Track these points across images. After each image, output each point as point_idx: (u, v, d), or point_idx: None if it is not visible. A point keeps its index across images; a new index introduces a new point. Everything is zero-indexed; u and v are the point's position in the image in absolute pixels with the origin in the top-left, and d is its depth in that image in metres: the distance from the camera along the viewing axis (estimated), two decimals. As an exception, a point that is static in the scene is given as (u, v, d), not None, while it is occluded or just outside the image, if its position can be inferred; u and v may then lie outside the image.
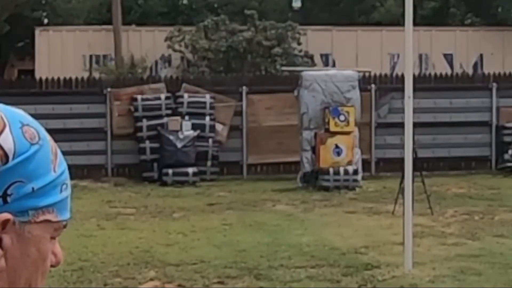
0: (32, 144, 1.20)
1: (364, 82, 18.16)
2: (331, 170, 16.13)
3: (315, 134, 16.52)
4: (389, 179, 16.46)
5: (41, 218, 1.20)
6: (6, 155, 1.16)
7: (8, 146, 1.17)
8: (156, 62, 25.82)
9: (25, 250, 1.19)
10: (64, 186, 1.25)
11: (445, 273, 9.03)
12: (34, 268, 1.21)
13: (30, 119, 1.24)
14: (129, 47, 25.33)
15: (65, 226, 1.26)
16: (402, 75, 13.68)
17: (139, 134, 17.94)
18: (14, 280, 1.18)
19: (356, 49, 26.03)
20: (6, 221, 1.16)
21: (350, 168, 16.25)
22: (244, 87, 18.67)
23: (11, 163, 1.17)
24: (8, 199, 1.16)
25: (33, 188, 1.18)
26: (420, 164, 13.18)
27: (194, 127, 17.72)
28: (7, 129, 1.18)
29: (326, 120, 16.43)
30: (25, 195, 1.18)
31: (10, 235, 1.16)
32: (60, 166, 1.25)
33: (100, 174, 18.08)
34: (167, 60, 25.75)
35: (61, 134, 16.42)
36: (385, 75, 20.19)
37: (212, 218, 12.93)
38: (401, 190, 11.15)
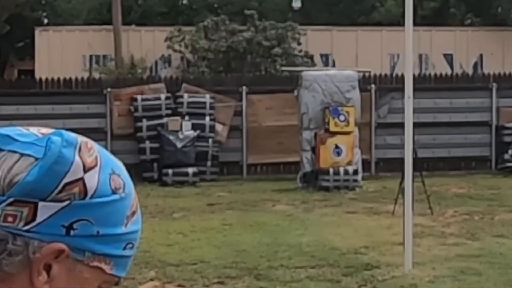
0: (112, 192, 1.21)
1: (364, 82, 18.17)
2: (331, 170, 16.12)
3: (315, 134, 16.52)
4: (389, 179, 16.46)
5: (96, 263, 1.20)
6: (85, 192, 1.17)
7: (91, 185, 1.18)
8: (156, 62, 25.83)
9: (70, 286, 1.19)
10: (130, 245, 1.25)
11: (445, 273, 9.04)
12: None
13: (123, 171, 1.27)
14: (129, 47, 25.34)
15: (117, 284, 1.26)
16: (402, 75, 13.68)
17: (139, 134, 17.94)
18: None
19: (356, 49, 26.04)
20: (61, 251, 1.17)
21: (350, 168, 16.25)
22: (244, 87, 18.67)
23: (87, 200, 1.18)
24: (72, 232, 1.17)
25: (98, 232, 1.19)
26: (420, 164, 13.18)
27: (194, 127, 17.72)
28: (96, 169, 1.20)
29: (326, 120, 16.43)
30: (88, 236, 1.19)
31: (60, 266, 1.17)
32: (134, 224, 1.26)
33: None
34: (167, 60, 25.76)
35: (61, 134, 16.45)
36: (385, 75, 20.19)
37: (212, 218, 12.93)
38: (401, 190, 11.15)
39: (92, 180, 1.18)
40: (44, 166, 1.15)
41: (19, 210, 1.15)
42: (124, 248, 1.24)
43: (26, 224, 1.15)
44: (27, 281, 1.17)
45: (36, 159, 1.16)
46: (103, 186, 1.20)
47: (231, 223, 12.35)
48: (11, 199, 1.14)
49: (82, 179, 1.17)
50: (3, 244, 1.15)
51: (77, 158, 1.17)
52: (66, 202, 1.16)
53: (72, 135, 1.20)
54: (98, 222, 1.19)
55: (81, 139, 1.21)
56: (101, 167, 1.21)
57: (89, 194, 1.18)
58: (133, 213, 1.27)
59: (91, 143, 1.23)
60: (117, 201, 1.22)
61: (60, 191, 1.16)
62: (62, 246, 1.17)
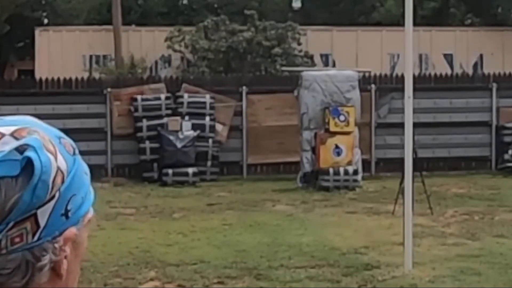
0: (72, 156, 1.26)
1: (364, 82, 18.17)
2: (331, 170, 16.12)
3: (315, 134, 16.52)
4: (389, 179, 16.47)
5: (86, 220, 1.28)
6: (63, 176, 1.22)
7: (63, 166, 1.22)
8: (156, 62, 25.82)
9: (78, 253, 1.27)
10: (90, 184, 1.32)
11: (445, 273, 9.04)
12: (79, 264, 1.29)
13: (58, 130, 1.30)
14: (129, 47, 25.34)
15: None
16: (402, 75, 13.68)
17: (139, 134, 17.94)
18: (67, 282, 1.25)
19: (356, 49, 26.03)
20: (74, 236, 1.23)
21: (350, 168, 16.25)
22: (244, 87, 18.67)
23: (67, 181, 1.22)
24: (69, 214, 1.22)
25: (82, 197, 1.26)
26: (420, 164, 13.18)
27: (194, 127, 17.72)
28: (57, 150, 1.23)
29: (326, 120, 16.43)
30: (79, 206, 1.25)
31: (69, 245, 1.23)
32: (86, 166, 1.32)
33: (100, 174, 18.06)
34: (167, 60, 25.75)
35: (61, 134, 16.45)
36: (385, 75, 20.19)
37: (212, 218, 12.93)
38: (401, 190, 11.14)
39: (61, 162, 1.22)
40: (34, 182, 1.18)
41: (23, 227, 1.18)
42: (91, 191, 1.31)
43: (33, 235, 1.19)
44: (54, 280, 1.22)
45: (13, 177, 1.17)
46: (67, 158, 1.24)
47: (231, 223, 12.35)
48: (11, 224, 1.17)
49: (58, 168, 1.21)
50: (31, 265, 1.18)
51: (49, 156, 1.20)
52: (57, 195, 1.20)
53: (32, 136, 1.21)
54: (78, 190, 1.24)
55: (37, 134, 1.22)
56: (55, 145, 1.24)
57: (66, 174, 1.22)
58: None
59: (39, 130, 1.24)
60: (79, 162, 1.27)
61: (51, 191, 1.19)
62: (72, 232, 1.22)
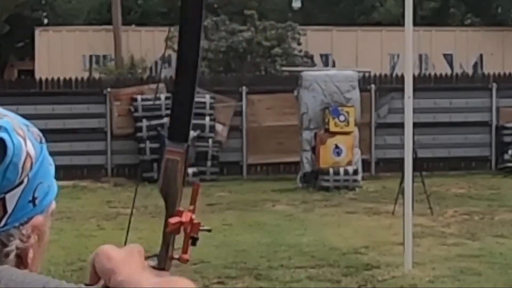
0: (40, 144, 1.25)
1: (364, 82, 18.17)
2: (331, 170, 16.13)
3: (315, 134, 16.52)
4: (389, 179, 16.46)
5: (50, 210, 1.27)
6: (32, 161, 1.21)
7: (32, 152, 1.21)
8: (156, 62, 25.81)
9: (42, 244, 1.26)
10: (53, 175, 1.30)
11: (445, 273, 9.04)
12: (42, 255, 1.28)
13: (24, 119, 1.29)
14: (129, 47, 25.33)
15: None
16: (402, 75, 13.67)
17: (139, 134, 17.94)
18: (32, 269, 1.24)
19: (356, 49, 26.03)
20: (41, 225, 1.23)
21: (350, 168, 16.25)
22: (244, 87, 18.67)
23: (35, 167, 1.21)
24: (36, 201, 1.22)
25: (48, 186, 1.25)
26: (420, 164, 13.17)
27: (194, 127, 17.58)
28: (26, 136, 1.22)
29: (326, 120, 16.43)
30: (45, 194, 1.24)
31: (35, 234, 1.22)
32: (50, 157, 1.30)
33: (100, 174, 18.08)
34: (167, 60, 25.75)
35: (61, 134, 16.46)
36: (385, 75, 20.19)
37: (212, 218, 12.92)
38: (401, 190, 11.14)
39: (30, 147, 1.21)
40: (6, 164, 1.16)
41: None
42: (54, 182, 1.29)
43: (0, 220, 1.17)
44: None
45: None
46: (35, 145, 1.23)
47: (231, 223, 12.36)
48: None
49: (27, 152, 1.20)
50: None
51: (19, 139, 1.19)
52: (25, 181, 1.19)
53: (4, 119, 1.21)
54: (45, 178, 1.24)
55: (7, 118, 1.22)
56: (24, 130, 1.23)
57: (34, 160, 1.21)
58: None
59: (8, 115, 1.24)
60: (45, 150, 1.26)
61: (20, 176, 1.18)
62: (39, 220, 1.22)
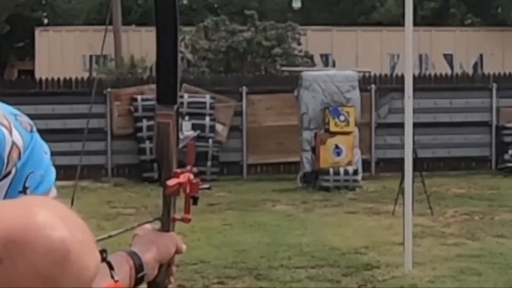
0: (30, 133, 1.22)
1: (364, 82, 18.17)
2: (331, 170, 16.13)
3: (315, 134, 16.52)
4: (389, 179, 16.46)
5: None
6: (20, 151, 1.18)
7: (19, 141, 1.19)
8: (156, 62, 25.80)
9: None
10: (51, 163, 1.28)
11: (445, 273, 9.04)
12: None
13: (13, 108, 1.26)
14: (129, 47, 25.33)
15: None
16: (402, 75, 13.67)
17: (139, 134, 17.94)
18: None
19: (356, 49, 26.04)
20: None
21: (350, 168, 16.26)
22: (244, 87, 18.67)
23: (24, 157, 1.19)
24: (27, 191, 1.19)
25: (41, 175, 1.22)
26: (420, 164, 13.17)
27: (194, 127, 17.72)
28: (12, 125, 1.19)
29: (326, 120, 16.43)
30: (38, 184, 1.21)
31: None
32: (46, 146, 1.28)
33: (100, 174, 18.07)
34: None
35: (61, 134, 16.46)
36: (385, 75, 20.19)
37: (212, 218, 12.92)
38: (401, 190, 11.14)
39: (17, 137, 1.19)
40: None
41: None
42: (51, 171, 1.27)
43: None
44: None
45: None
46: (24, 135, 1.20)
47: (231, 223, 12.35)
48: None
49: (13, 142, 1.17)
50: None
51: (2, 129, 1.17)
52: (13, 171, 1.17)
53: None
54: (37, 167, 1.21)
55: None
56: (10, 120, 1.20)
57: (22, 150, 1.19)
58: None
59: None
60: (36, 139, 1.24)
61: (6, 166, 1.16)
62: None
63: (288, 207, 14.17)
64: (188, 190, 1.65)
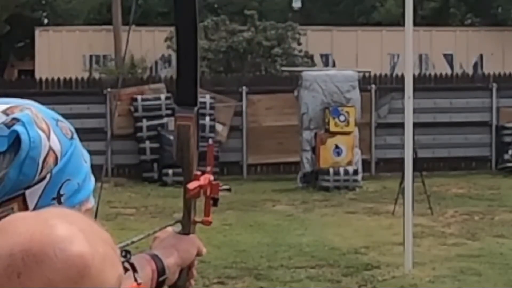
0: (70, 140, 1.21)
1: (364, 82, 18.17)
2: (331, 170, 16.13)
3: (315, 134, 16.52)
4: (389, 179, 16.46)
5: (84, 209, 1.22)
6: (57, 157, 1.17)
7: (57, 147, 1.17)
8: (156, 62, 25.82)
9: None
10: (90, 173, 1.26)
11: (445, 273, 9.04)
12: None
13: (55, 113, 1.25)
14: (129, 47, 25.31)
15: None
16: (402, 75, 13.67)
17: (139, 134, 17.95)
18: None
19: (356, 49, 26.04)
20: None
21: (350, 168, 16.26)
22: (244, 87, 18.67)
23: (61, 163, 1.17)
24: (62, 199, 1.17)
25: (78, 184, 1.20)
26: (420, 164, 13.17)
27: (194, 127, 17.70)
28: (51, 130, 1.18)
29: (326, 120, 16.43)
30: (74, 192, 1.19)
31: None
32: (86, 154, 1.27)
33: (100, 174, 18.06)
34: (167, 60, 25.75)
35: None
36: (385, 75, 20.19)
37: (212, 218, 12.91)
38: (401, 190, 11.14)
39: (55, 142, 1.17)
40: (21, 158, 1.12)
41: (9, 208, 1.13)
42: (91, 179, 1.25)
43: None
44: None
45: (1, 153, 1.13)
46: (63, 141, 1.19)
47: (231, 223, 12.35)
48: None
49: (50, 147, 1.16)
50: None
51: (40, 133, 1.15)
52: (48, 177, 1.15)
53: (23, 112, 1.16)
54: (74, 175, 1.19)
55: (29, 111, 1.17)
56: (50, 125, 1.19)
57: (59, 156, 1.17)
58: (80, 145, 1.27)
59: (31, 107, 1.19)
60: (76, 146, 1.22)
61: (41, 171, 1.14)
62: None
63: (288, 207, 14.17)
64: (208, 192, 1.64)
